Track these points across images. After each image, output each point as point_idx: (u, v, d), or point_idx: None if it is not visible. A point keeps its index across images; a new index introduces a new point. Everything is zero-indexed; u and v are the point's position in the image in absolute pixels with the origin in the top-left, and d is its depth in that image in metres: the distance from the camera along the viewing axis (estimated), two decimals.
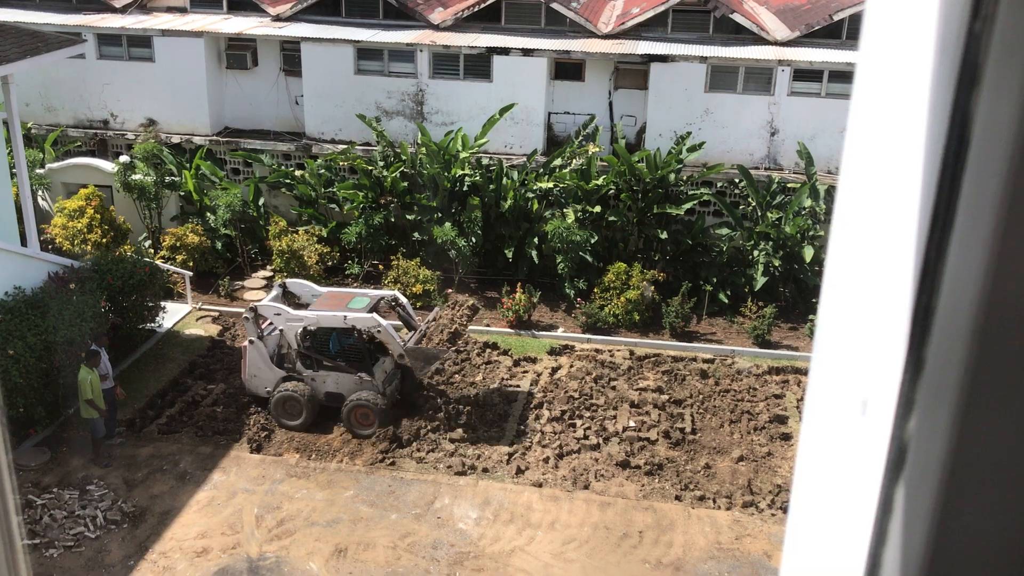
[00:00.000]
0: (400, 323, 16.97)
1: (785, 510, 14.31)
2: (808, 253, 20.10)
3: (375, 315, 15.25)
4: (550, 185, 20.86)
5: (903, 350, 0.91)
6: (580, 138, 21.80)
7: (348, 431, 15.68)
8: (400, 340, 15.34)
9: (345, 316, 15.19)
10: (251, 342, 16.10)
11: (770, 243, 20.39)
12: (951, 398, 0.85)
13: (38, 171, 22.30)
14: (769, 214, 20.72)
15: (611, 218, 20.97)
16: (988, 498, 0.86)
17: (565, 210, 20.65)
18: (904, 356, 0.91)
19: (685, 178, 21.24)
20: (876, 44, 0.96)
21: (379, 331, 15.17)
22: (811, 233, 20.33)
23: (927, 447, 0.89)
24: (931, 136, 0.87)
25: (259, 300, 17.44)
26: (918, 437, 0.90)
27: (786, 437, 16.27)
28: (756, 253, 20.49)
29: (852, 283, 1.03)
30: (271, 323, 16.25)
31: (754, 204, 21.10)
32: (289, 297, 16.92)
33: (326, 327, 15.75)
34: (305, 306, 16.42)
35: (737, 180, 21.57)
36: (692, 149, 20.93)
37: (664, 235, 20.74)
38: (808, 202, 20.53)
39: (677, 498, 14.58)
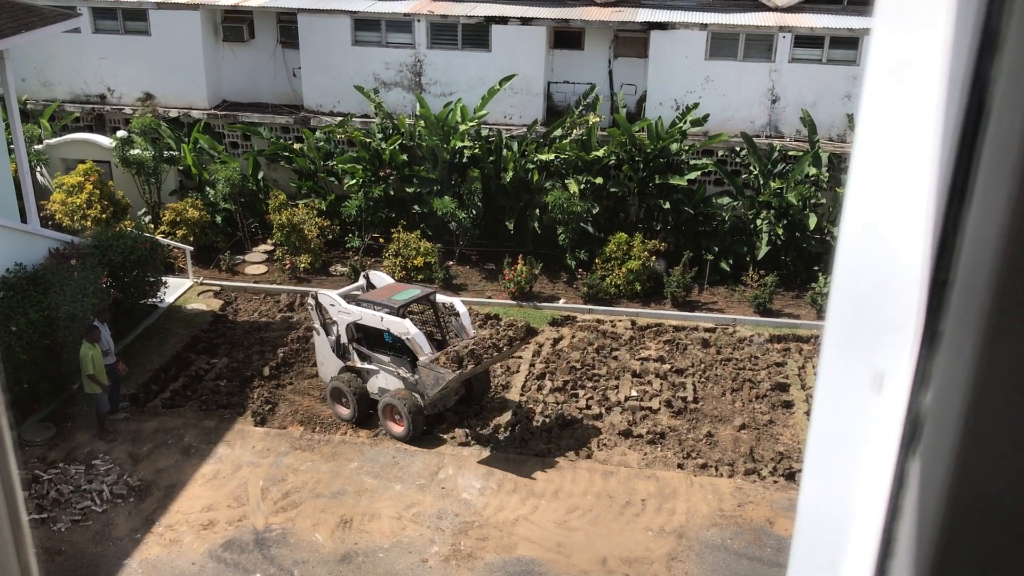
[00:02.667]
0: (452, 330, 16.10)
1: (787, 477, 14.41)
2: (811, 221, 20.05)
3: (407, 321, 14.71)
4: (551, 156, 20.76)
5: (919, 323, 0.90)
6: (580, 108, 21.66)
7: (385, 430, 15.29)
8: (429, 350, 14.54)
9: (382, 318, 14.81)
10: (315, 331, 16.07)
11: (772, 212, 20.33)
12: (967, 372, 0.84)
13: (36, 147, 22.21)
14: (771, 183, 20.64)
15: (612, 189, 20.90)
16: (1003, 473, 0.85)
17: (566, 181, 20.57)
18: (920, 330, 0.90)
19: (687, 148, 21.13)
20: (891, 9, 0.94)
21: (408, 338, 14.62)
22: (813, 201, 20.27)
23: (942, 421, 0.88)
24: (949, 104, 0.86)
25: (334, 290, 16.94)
26: (933, 411, 0.90)
27: (787, 405, 16.32)
28: (758, 222, 20.43)
29: (866, 255, 1.02)
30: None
31: (756, 172, 21.01)
32: (370, 288, 16.53)
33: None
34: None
35: (738, 148, 21.46)
36: (696, 122, 20.78)
37: (666, 205, 20.68)
38: (810, 170, 20.44)
39: (679, 466, 14.66)
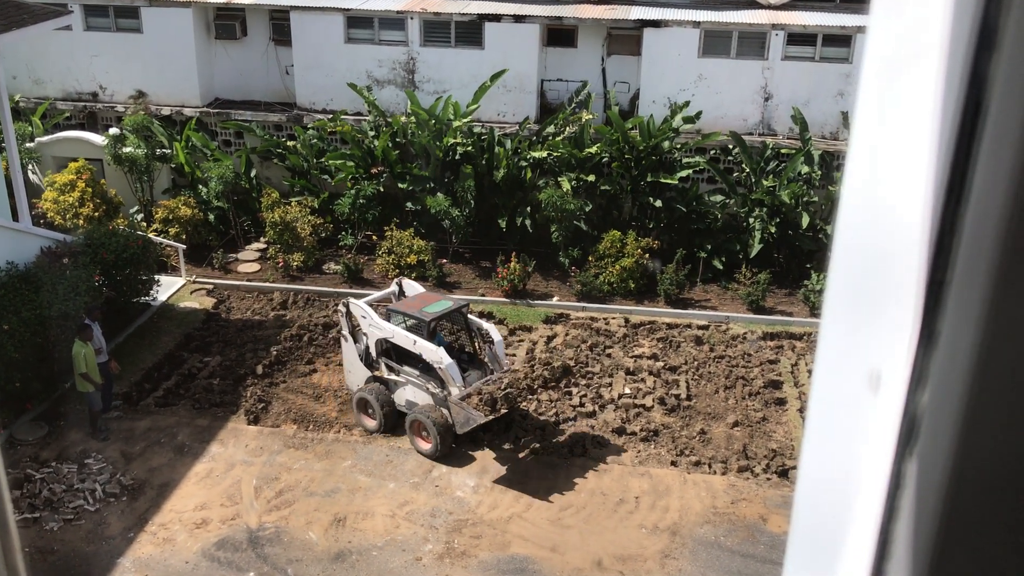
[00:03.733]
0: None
1: (780, 474, 14.43)
2: (803, 219, 20.08)
3: (442, 350, 14.09)
4: (544, 154, 20.76)
5: (916, 322, 0.90)
6: (573, 105, 21.66)
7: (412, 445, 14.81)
8: (461, 382, 14.02)
9: (415, 341, 14.27)
10: (343, 338, 15.70)
11: (765, 210, 20.36)
12: (964, 371, 0.84)
13: (27, 145, 22.12)
14: (764, 181, 20.67)
15: (604, 187, 20.90)
16: (1000, 473, 0.85)
17: (559, 179, 20.57)
18: (917, 328, 0.90)
19: (679, 146, 21.14)
20: (888, 6, 0.94)
21: (441, 368, 14.09)
22: (806, 199, 20.30)
23: (939, 421, 0.88)
24: (946, 102, 0.85)
25: (365, 297, 16.49)
26: (930, 410, 0.89)
27: (780, 402, 16.35)
28: (751, 220, 20.46)
29: (862, 253, 1.01)
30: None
31: (748, 171, 21.04)
32: (401, 296, 16.14)
33: (409, 332, 14.76)
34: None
35: (731, 146, 21.49)
36: (689, 120, 20.80)
37: (658, 203, 20.69)
38: (803, 168, 20.48)
39: (673, 463, 14.67)
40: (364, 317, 15.11)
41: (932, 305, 0.88)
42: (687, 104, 21.01)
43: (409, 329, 14.75)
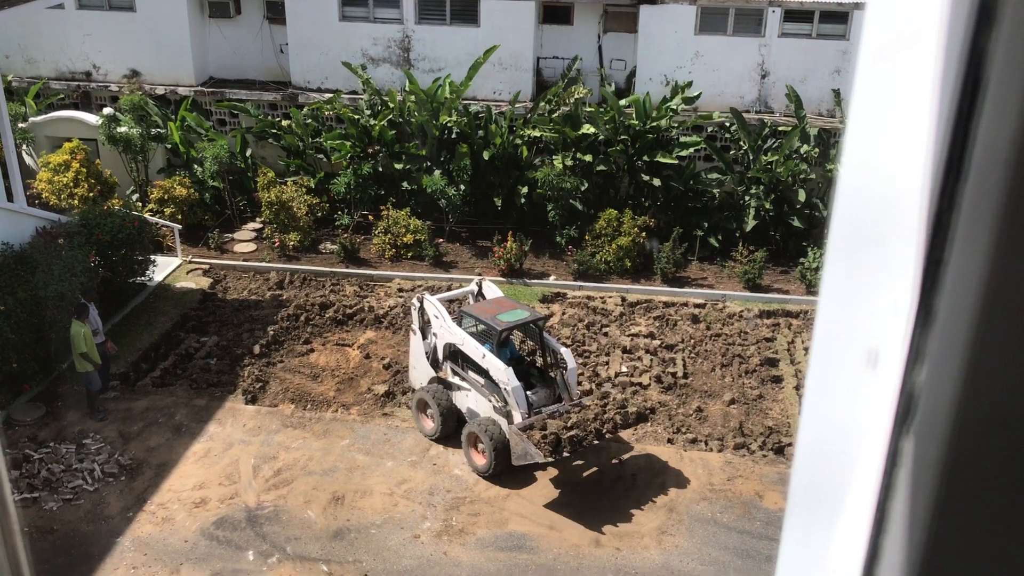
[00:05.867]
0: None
1: (776, 451, 14.50)
2: (800, 196, 20.06)
3: (510, 371, 13.32)
4: (538, 133, 20.68)
5: (914, 300, 0.90)
6: (564, 81, 21.55)
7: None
8: (526, 409, 13.26)
9: (484, 355, 13.63)
10: (412, 331, 15.18)
11: (761, 187, 20.33)
12: (962, 348, 0.84)
13: (21, 125, 22.00)
14: (762, 157, 20.62)
15: (600, 167, 20.84)
16: (997, 451, 0.85)
17: (554, 157, 20.51)
18: (915, 306, 0.90)
19: (676, 125, 21.07)
20: None
21: (507, 390, 13.35)
22: (802, 176, 20.27)
23: (936, 398, 0.88)
24: (945, 78, 0.85)
25: (441, 293, 15.94)
26: (928, 388, 0.89)
27: (777, 380, 16.40)
28: (747, 198, 20.44)
29: (860, 231, 1.01)
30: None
31: (745, 148, 20.99)
32: (479, 299, 15.44)
33: (479, 337, 14.12)
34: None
35: (728, 124, 21.42)
36: (688, 100, 20.73)
37: (655, 182, 20.65)
38: (799, 145, 20.43)
39: (669, 441, 14.74)
40: (437, 317, 14.49)
41: (930, 283, 0.88)
42: (689, 84, 20.90)
43: (480, 334, 14.13)
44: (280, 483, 13.69)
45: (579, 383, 15.00)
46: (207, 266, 20.09)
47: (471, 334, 14.13)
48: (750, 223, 20.16)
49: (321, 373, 16.34)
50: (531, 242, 20.21)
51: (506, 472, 13.63)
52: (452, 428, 14.38)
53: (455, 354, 14.46)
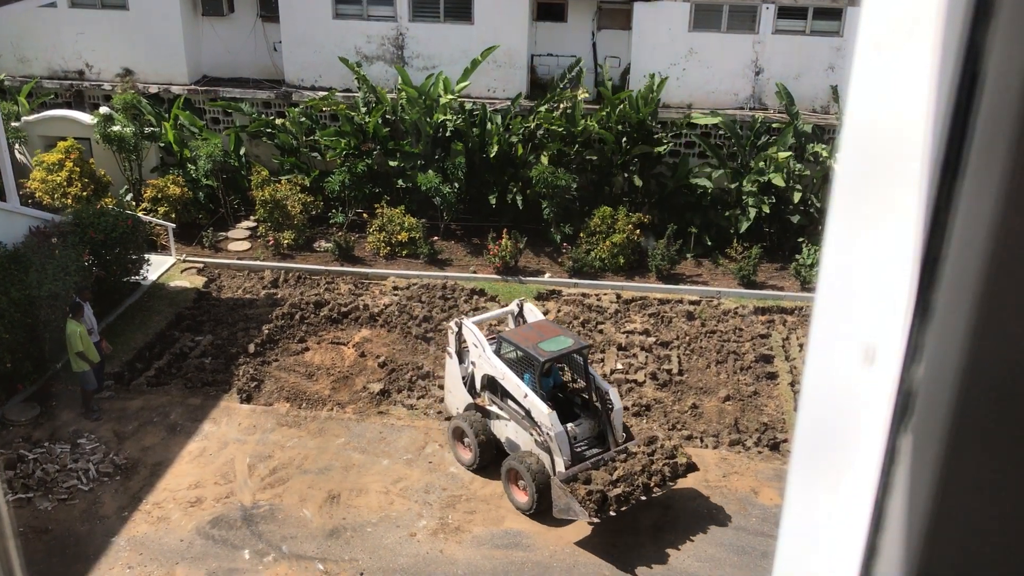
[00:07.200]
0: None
1: (771, 447, 14.52)
2: (794, 194, 20.08)
3: (554, 415, 12.62)
4: (533, 125, 20.67)
5: (912, 296, 0.89)
6: (565, 82, 21.55)
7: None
8: (568, 455, 12.59)
9: (526, 394, 12.93)
10: (448, 355, 14.54)
11: (755, 185, 20.35)
12: (959, 345, 0.84)
13: (14, 124, 21.93)
14: (755, 156, 20.63)
15: (593, 157, 20.84)
16: (995, 447, 0.85)
17: (542, 154, 20.49)
18: (912, 302, 0.89)
19: (668, 123, 21.08)
20: None
21: (551, 436, 12.62)
22: (796, 173, 20.29)
23: (934, 395, 0.87)
24: (942, 74, 0.84)
25: (476, 316, 15.37)
26: (925, 385, 0.89)
27: (772, 376, 16.42)
28: (744, 196, 20.45)
29: (857, 227, 1.01)
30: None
31: (736, 148, 21.03)
32: (519, 321, 14.78)
33: (518, 365, 13.42)
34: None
35: (734, 121, 21.45)
36: (661, 83, 20.70)
37: (650, 179, 20.66)
38: (792, 141, 20.45)
39: (665, 438, 14.74)
40: (476, 346, 13.85)
41: (927, 279, 0.88)
42: (666, 80, 20.84)
43: (519, 360, 13.38)
44: (275, 482, 13.67)
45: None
46: (201, 265, 20.05)
47: (510, 360, 13.49)
48: (744, 223, 20.16)
49: (316, 371, 16.32)
50: (526, 240, 20.21)
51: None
52: (491, 458, 13.67)
53: (493, 382, 13.81)
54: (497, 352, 13.63)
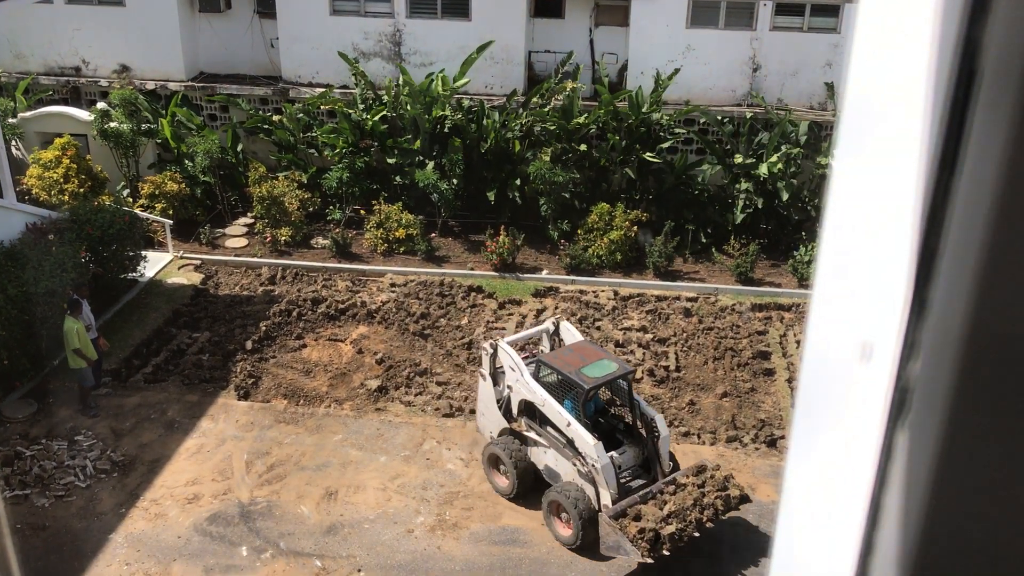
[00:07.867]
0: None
1: (769, 444, 14.54)
2: (789, 190, 20.09)
3: (600, 446, 11.92)
4: (529, 120, 20.66)
5: (908, 292, 0.89)
6: (559, 75, 21.54)
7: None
8: (615, 488, 11.96)
9: (569, 423, 12.24)
10: (481, 376, 13.88)
11: (752, 181, 20.36)
12: (956, 341, 0.84)
13: (10, 120, 21.89)
14: (750, 152, 20.64)
15: (594, 153, 20.84)
16: (991, 443, 0.85)
17: (540, 150, 20.49)
18: (909, 298, 0.89)
19: (666, 117, 21.08)
20: None
21: (597, 468, 11.92)
22: (792, 170, 20.30)
23: (930, 391, 0.88)
24: (939, 71, 0.84)
25: (512, 335, 14.76)
26: (922, 380, 0.89)
27: (769, 373, 16.44)
28: (736, 191, 20.47)
29: (854, 224, 1.01)
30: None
31: (730, 146, 21.05)
32: (554, 340, 14.17)
33: (558, 389, 12.75)
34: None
35: (720, 118, 21.46)
36: (670, 77, 20.72)
37: (648, 177, 20.66)
38: (789, 138, 20.45)
39: None
40: (513, 369, 13.09)
41: (924, 275, 0.88)
42: (676, 71, 20.87)
43: (557, 383, 12.70)
44: (273, 478, 13.67)
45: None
46: (199, 261, 20.04)
47: (548, 383, 12.84)
48: (739, 216, 20.20)
49: (314, 368, 16.32)
50: (524, 236, 20.21)
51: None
52: (529, 486, 13.05)
53: (531, 407, 13.12)
54: (535, 375, 13.03)
